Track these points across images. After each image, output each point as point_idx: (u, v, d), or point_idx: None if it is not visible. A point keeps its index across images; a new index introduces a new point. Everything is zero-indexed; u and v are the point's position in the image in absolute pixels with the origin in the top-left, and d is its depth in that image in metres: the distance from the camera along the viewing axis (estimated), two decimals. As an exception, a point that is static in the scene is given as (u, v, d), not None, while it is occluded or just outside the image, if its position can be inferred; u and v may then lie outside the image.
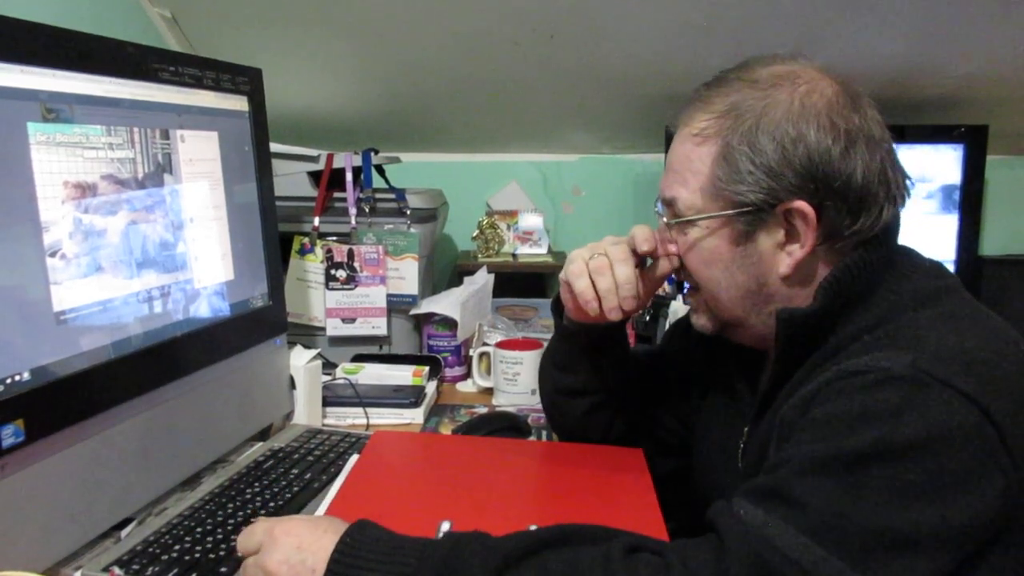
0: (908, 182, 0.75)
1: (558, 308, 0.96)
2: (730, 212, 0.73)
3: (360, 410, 1.22)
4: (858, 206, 0.71)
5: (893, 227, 0.75)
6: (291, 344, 1.18)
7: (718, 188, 0.73)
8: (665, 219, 0.81)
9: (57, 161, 0.73)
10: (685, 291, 0.87)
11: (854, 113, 0.71)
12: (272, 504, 0.88)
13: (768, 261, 0.74)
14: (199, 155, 0.94)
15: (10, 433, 0.67)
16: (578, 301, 0.84)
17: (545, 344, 1.17)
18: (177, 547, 0.77)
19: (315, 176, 1.48)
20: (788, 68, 0.73)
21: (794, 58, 0.75)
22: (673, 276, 0.87)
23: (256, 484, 0.93)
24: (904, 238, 0.77)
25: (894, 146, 0.74)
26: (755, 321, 0.78)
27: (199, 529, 0.81)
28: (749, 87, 0.73)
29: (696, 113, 0.76)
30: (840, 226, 0.71)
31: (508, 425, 1.12)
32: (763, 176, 0.70)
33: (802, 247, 0.72)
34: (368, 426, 1.20)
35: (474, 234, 2.06)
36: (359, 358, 1.43)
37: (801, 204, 0.70)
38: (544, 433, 1.15)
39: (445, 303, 1.46)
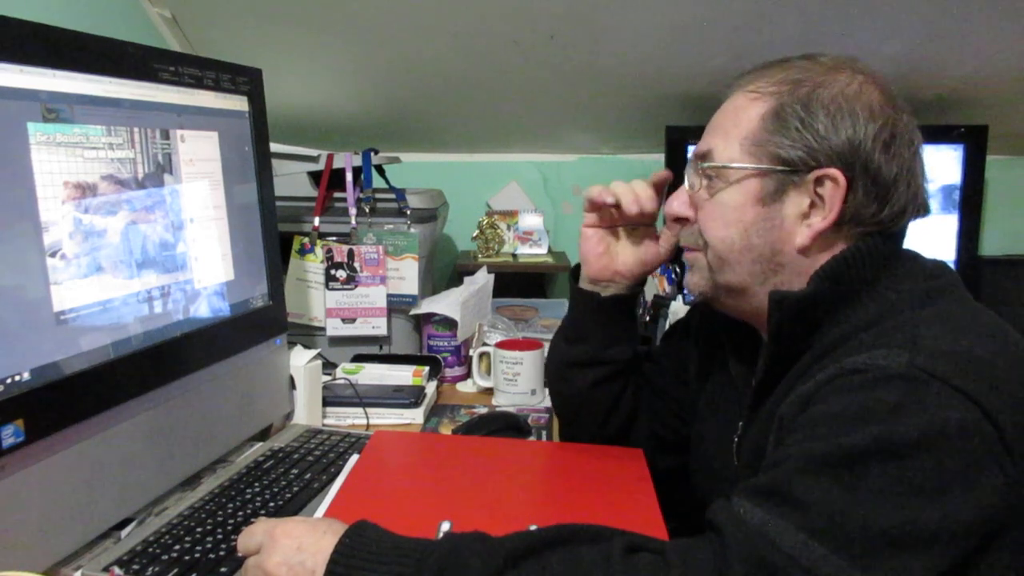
0: (927, 198, 0.77)
1: (575, 274, 1.00)
2: (764, 166, 0.75)
3: (360, 410, 1.22)
4: (885, 196, 0.73)
5: (902, 231, 0.76)
6: (291, 344, 1.18)
7: (760, 140, 0.75)
8: (699, 165, 0.81)
9: (57, 161, 0.73)
10: (684, 252, 0.85)
11: (903, 114, 0.75)
12: (272, 504, 0.88)
13: (788, 228, 0.75)
14: (199, 155, 0.94)
15: (10, 433, 0.67)
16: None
17: (545, 344, 1.17)
18: (177, 547, 0.78)
19: (315, 176, 1.48)
20: (849, 62, 0.77)
21: (854, 58, 0.78)
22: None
23: (256, 484, 0.93)
24: (904, 238, 0.77)
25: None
26: (758, 291, 0.78)
27: (199, 529, 0.81)
28: (812, 65, 0.76)
29: (753, 79, 0.78)
30: (864, 210, 0.73)
31: (508, 425, 1.12)
32: (809, 136, 0.73)
33: (824, 219, 0.73)
34: (368, 426, 1.20)
35: (474, 234, 2.06)
36: (359, 358, 1.43)
37: (835, 172, 0.72)
38: (544, 433, 1.15)
39: (445, 303, 1.46)
